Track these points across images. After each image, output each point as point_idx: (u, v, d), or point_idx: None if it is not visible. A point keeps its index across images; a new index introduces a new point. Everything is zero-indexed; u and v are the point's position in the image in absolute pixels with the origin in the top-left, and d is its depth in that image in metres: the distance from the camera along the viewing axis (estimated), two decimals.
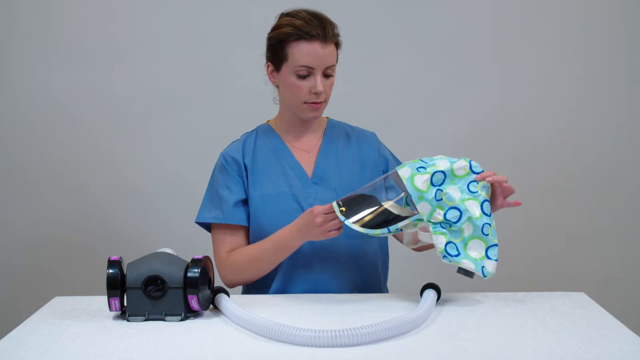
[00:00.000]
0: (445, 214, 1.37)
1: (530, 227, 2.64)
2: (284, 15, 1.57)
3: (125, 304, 1.33)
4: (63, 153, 2.58)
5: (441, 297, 1.42)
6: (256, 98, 2.22)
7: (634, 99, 2.61)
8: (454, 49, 2.59)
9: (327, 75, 1.55)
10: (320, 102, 1.56)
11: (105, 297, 1.32)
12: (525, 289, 1.59)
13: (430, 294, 1.37)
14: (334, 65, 1.56)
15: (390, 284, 1.75)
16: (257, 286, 1.64)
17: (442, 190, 1.38)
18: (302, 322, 1.24)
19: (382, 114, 2.56)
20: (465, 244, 1.38)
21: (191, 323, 1.31)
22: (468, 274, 1.38)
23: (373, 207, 1.40)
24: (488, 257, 1.38)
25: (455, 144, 2.57)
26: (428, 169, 1.39)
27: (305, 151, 1.66)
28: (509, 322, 1.29)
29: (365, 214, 1.39)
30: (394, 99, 2.62)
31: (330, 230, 1.41)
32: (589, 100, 2.61)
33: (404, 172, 1.39)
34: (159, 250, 1.40)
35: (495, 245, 1.39)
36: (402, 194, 1.44)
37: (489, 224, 1.38)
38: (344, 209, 1.39)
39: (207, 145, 2.20)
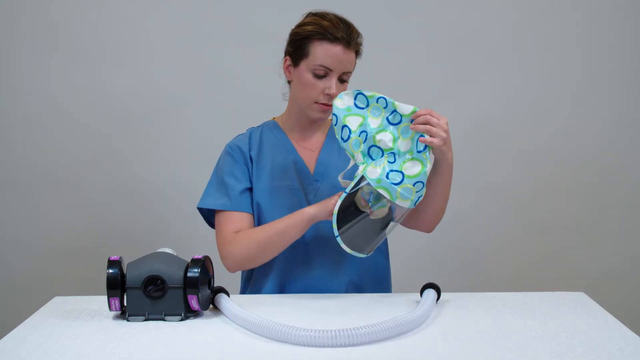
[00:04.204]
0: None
1: (530, 226, 2.64)
2: (311, 14, 1.58)
3: (125, 304, 1.33)
4: (63, 153, 2.58)
5: (441, 297, 1.42)
6: (256, 98, 2.22)
7: (633, 99, 2.61)
8: (454, 48, 2.59)
9: (342, 80, 1.56)
10: (331, 105, 1.57)
11: (105, 297, 1.32)
12: (525, 288, 1.59)
13: (430, 293, 1.38)
14: (350, 72, 1.57)
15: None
16: (254, 285, 1.64)
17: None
18: (302, 321, 1.24)
19: None
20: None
21: (191, 323, 1.31)
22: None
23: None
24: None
25: (455, 143, 2.55)
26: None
27: (309, 149, 1.66)
28: (509, 322, 1.29)
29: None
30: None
31: None
32: (589, 100, 2.61)
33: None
34: (159, 250, 1.40)
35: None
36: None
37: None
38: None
39: (207, 145, 2.20)
